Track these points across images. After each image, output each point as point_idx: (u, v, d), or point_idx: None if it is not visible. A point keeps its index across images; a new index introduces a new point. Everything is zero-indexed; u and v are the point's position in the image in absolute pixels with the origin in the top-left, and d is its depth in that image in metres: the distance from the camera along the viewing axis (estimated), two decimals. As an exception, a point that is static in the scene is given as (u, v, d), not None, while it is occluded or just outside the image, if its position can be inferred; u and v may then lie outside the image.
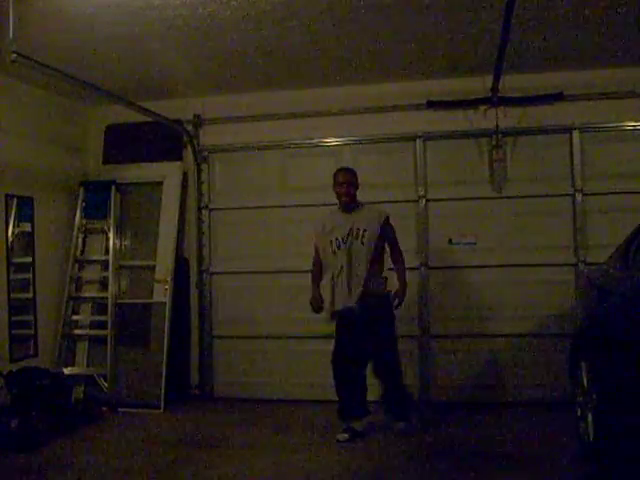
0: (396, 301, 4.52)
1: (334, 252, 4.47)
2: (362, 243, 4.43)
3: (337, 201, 4.63)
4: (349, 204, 4.54)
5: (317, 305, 4.63)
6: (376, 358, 4.51)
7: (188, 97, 5.96)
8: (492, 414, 5.05)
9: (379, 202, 5.60)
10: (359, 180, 5.78)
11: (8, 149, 5.10)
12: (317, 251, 4.66)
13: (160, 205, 5.89)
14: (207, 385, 5.96)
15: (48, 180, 5.68)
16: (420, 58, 5.03)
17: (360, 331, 4.43)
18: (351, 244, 4.43)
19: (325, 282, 4.54)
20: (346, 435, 4.46)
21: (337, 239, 4.46)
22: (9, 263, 5.15)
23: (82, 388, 5.69)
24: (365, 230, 4.43)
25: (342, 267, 4.42)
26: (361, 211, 4.55)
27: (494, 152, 5.47)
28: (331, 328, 4.62)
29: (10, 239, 5.20)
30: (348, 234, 4.44)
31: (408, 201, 5.64)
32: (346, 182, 4.52)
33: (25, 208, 5.37)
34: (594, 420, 3.66)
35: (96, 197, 5.93)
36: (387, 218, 4.54)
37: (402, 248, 5.63)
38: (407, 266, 5.58)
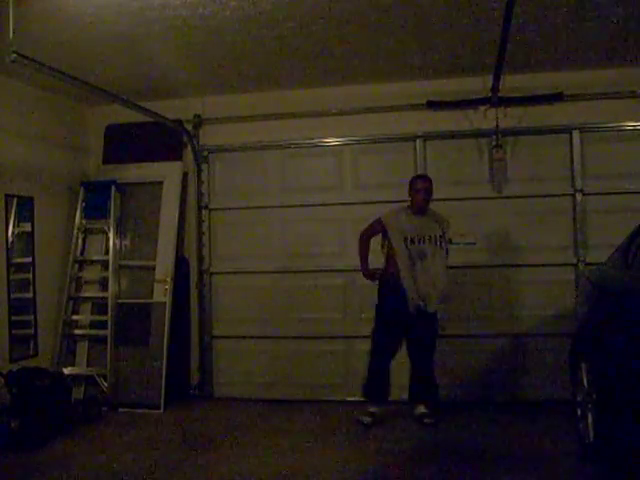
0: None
1: (409, 248, 4.71)
2: (439, 246, 4.76)
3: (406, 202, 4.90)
4: (424, 209, 4.82)
5: (372, 275, 4.90)
6: (419, 341, 4.81)
7: (188, 97, 5.96)
8: (492, 414, 5.05)
9: (379, 202, 5.65)
10: (361, 181, 5.84)
11: (8, 149, 5.10)
12: (372, 232, 4.90)
13: (160, 205, 5.89)
14: (207, 385, 5.96)
15: (48, 180, 5.67)
16: (420, 58, 5.03)
17: (411, 323, 4.74)
18: (428, 245, 4.73)
19: (403, 273, 4.70)
20: (369, 419, 4.75)
21: (412, 238, 4.72)
22: (9, 263, 5.15)
23: (82, 388, 5.69)
24: (440, 236, 4.78)
25: (419, 265, 4.70)
26: (435, 218, 4.86)
27: (494, 152, 5.47)
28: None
29: (10, 239, 5.20)
30: (425, 236, 4.74)
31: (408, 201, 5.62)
32: (424, 189, 4.78)
33: (25, 208, 5.37)
34: (594, 420, 3.67)
35: (96, 197, 5.92)
36: (447, 223, 4.89)
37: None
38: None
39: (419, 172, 5.61)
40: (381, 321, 4.84)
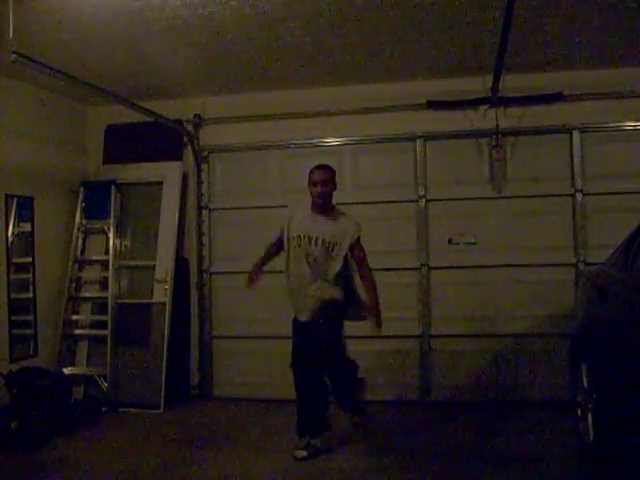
0: (369, 316, 4.15)
1: (296, 248, 4.13)
2: (331, 254, 4.08)
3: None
4: (323, 206, 4.16)
5: (250, 276, 4.44)
6: (303, 356, 4.20)
7: (188, 97, 5.96)
8: (492, 414, 5.06)
9: (379, 202, 5.65)
10: (361, 181, 5.81)
11: (8, 149, 5.10)
12: (275, 240, 4.37)
13: (160, 205, 5.89)
14: (207, 385, 5.96)
15: (48, 180, 5.68)
16: (420, 58, 5.03)
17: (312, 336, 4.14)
18: (317, 250, 4.08)
19: (286, 275, 4.23)
20: (304, 453, 4.11)
21: (303, 237, 4.11)
22: (9, 263, 5.15)
23: (82, 388, 5.70)
24: (335, 244, 4.07)
25: (304, 271, 4.11)
26: (335, 219, 4.16)
27: (494, 152, 5.47)
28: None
29: (10, 239, 5.20)
30: (316, 239, 4.08)
31: (408, 201, 5.64)
32: (321, 181, 4.11)
33: (25, 208, 5.37)
34: (594, 420, 3.67)
35: (96, 197, 5.92)
36: (358, 238, 4.12)
37: (402, 248, 5.67)
38: (407, 266, 5.64)
39: (418, 172, 5.63)
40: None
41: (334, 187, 4.21)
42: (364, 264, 4.15)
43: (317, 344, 4.07)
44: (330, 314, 4.10)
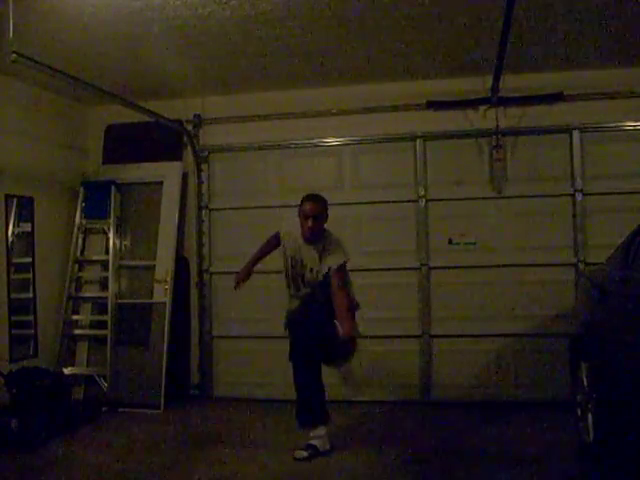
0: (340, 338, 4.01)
1: (288, 265, 4.27)
2: (317, 277, 4.14)
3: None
4: (310, 239, 4.13)
5: (238, 276, 4.54)
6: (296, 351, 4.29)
7: (188, 97, 5.96)
8: (492, 414, 5.05)
9: (379, 202, 5.65)
10: (361, 181, 5.81)
11: (8, 149, 5.10)
12: (271, 241, 4.50)
13: (160, 205, 5.89)
14: (207, 385, 5.96)
15: (48, 180, 5.67)
16: (420, 58, 5.03)
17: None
18: (307, 273, 4.18)
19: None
20: (304, 453, 4.09)
21: (294, 258, 4.22)
22: (9, 263, 5.15)
23: (82, 388, 5.70)
24: (318, 272, 4.11)
25: (296, 283, 4.28)
26: (323, 249, 4.12)
27: (494, 152, 5.47)
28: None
29: (10, 239, 5.20)
30: (304, 264, 4.18)
31: (408, 201, 5.64)
32: (312, 215, 4.05)
33: (25, 208, 5.38)
34: (594, 420, 3.67)
35: (96, 197, 5.92)
36: (339, 267, 4.07)
37: (402, 248, 5.67)
38: (407, 266, 5.63)
39: (418, 172, 5.63)
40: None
41: (326, 219, 4.17)
42: (339, 291, 4.04)
43: (309, 329, 4.11)
44: (320, 299, 4.14)
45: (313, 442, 4.16)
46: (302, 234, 4.15)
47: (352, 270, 5.36)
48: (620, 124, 5.37)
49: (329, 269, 4.05)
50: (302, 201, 4.15)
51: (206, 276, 6.01)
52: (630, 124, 5.35)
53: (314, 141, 5.85)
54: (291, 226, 4.28)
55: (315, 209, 4.07)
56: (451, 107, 5.55)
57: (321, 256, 4.11)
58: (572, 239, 5.39)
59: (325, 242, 4.15)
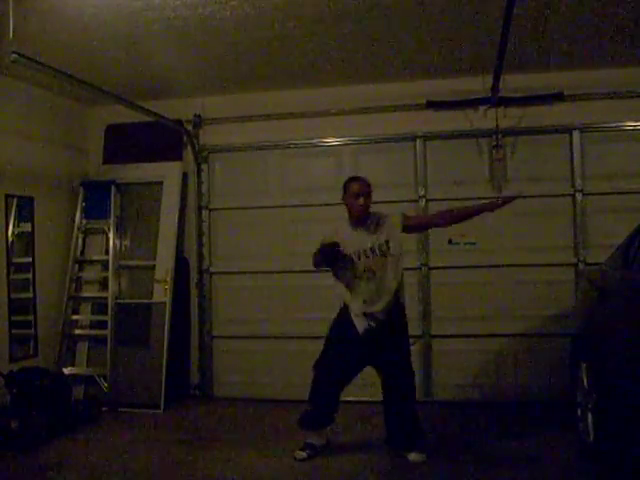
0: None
1: (355, 269, 4.00)
2: (388, 256, 4.00)
3: (348, 212, 4.15)
4: (362, 218, 4.08)
5: (330, 247, 3.96)
6: (389, 367, 4.08)
7: (188, 97, 5.95)
8: (492, 414, 5.05)
9: (379, 202, 5.63)
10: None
11: (8, 149, 5.10)
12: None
13: (160, 205, 5.89)
14: (207, 385, 5.96)
15: (48, 180, 5.68)
16: (420, 58, 5.03)
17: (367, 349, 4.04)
18: (374, 261, 3.99)
19: (346, 296, 4.07)
20: (304, 454, 4.11)
21: (356, 253, 4.01)
22: (9, 263, 5.15)
23: (82, 388, 5.69)
24: (387, 241, 4.01)
25: (365, 283, 4.00)
26: (376, 222, 4.09)
27: (494, 152, 5.47)
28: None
29: (10, 239, 5.20)
30: (370, 250, 4.00)
31: (408, 201, 5.63)
32: (364, 193, 4.04)
33: (25, 208, 5.37)
34: (594, 420, 3.67)
35: (96, 197, 5.92)
36: (403, 215, 4.13)
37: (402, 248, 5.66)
38: (407, 266, 5.61)
39: (419, 172, 5.63)
40: (328, 352, 4.19)
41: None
42: (434, 216, 4.39)
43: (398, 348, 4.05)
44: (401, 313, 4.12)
45: (309, 440, 4.18)
46: (352, 217, 4.09)
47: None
48: (620, 124, 5.37)
49: (401, 220, 4.04)
50: (349, 183, 4.13)
51: (206, 276, 6.01)
52: (630, 124, 5.35)
53: (314, 141, 5.85)
54: (332, 231, 4.16)
55: (365, 187, 4.08)
56: (451, 107, 5.55)
57: (379, 229, 4.04)
58: (572, 239, 5.40)
59: (375, 218, 4.10)
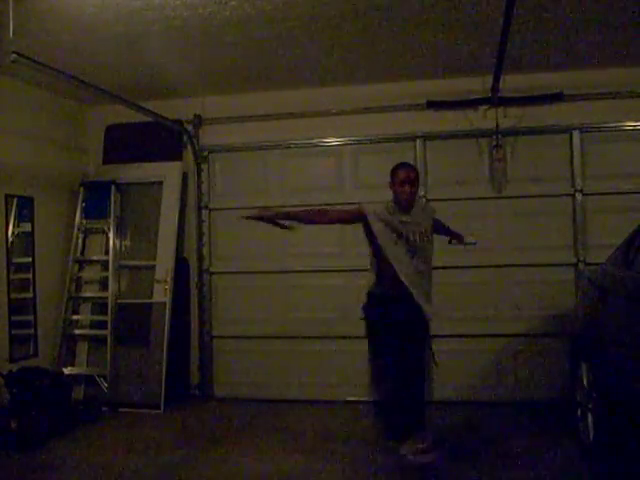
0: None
1: (402, 249, 3.97)
2: (429, 242, 4.11)
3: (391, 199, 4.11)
4: (409, 205, 4.05)
5: (259, 213, 3.98)
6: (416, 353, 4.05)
7: (188, 97, 5.95)
8: (492, 414, 5.05)
9: (379, 202, 5.62)
10: (361, 181, 5.81)
11: (8, 149, 5.10)
12: (345, 216, 4.20)
13: (160, 205, 5.89)
14: (207, 385, 5.96)
15: (48, 180, 5.68)
16: (420, 58, 5.03)
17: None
18: (422, 246, 4.04)
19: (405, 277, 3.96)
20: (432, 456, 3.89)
21: (403, 237, 3.98)
22: (9, 263, 5.16)
23: (82, 388, 5.69)
24: (427, 229, 4.09)
25: (414, 272, 4.00)
26: (419, 209, 4.18)
27: (494, 152, 5.47)
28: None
29: (10, 239, 5.20)
30: (419, 235, 4.03)
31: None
32: (409, 181, 4.00)
33: (25, 208, 5.38)
34: (594, 420, 3.67)
35: (96, 197, 5.92)
36: (434, 211, 4.36)
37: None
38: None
39: (419, 172, 5.61)
40: (391, 343, 3.96)
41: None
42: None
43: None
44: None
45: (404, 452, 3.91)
46: (398, 203, 4.04)
47: (352, 270, 5.41)
48: (620, 124, 5.37)
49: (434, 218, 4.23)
50: (395, 170, 4.07)
51: (206, 276, 6.01)
52: (630, 124, 5.35)
53: (314, 141, 5.85)
54: (378, 209, 4.07)
55: (412, 175, 4.03)
56: (451, 107, 5.55)
57: (423, 216, 4.14)
58: (572, 239, 5.40)
59: (419, 206, 4.20)
